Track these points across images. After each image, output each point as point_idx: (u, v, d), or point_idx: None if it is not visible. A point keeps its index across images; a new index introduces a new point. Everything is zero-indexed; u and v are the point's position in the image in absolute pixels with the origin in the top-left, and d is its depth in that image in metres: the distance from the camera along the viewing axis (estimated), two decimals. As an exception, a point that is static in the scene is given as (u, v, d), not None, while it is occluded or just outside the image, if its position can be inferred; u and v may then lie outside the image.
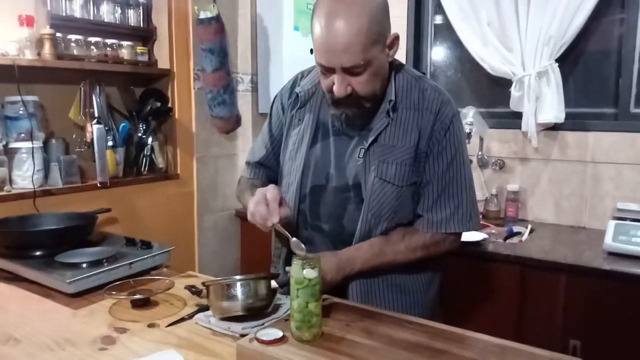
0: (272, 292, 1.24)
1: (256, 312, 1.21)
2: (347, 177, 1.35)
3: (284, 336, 1.06)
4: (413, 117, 1.31)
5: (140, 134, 2.55)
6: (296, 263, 1.06)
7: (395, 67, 1.35)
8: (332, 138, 1.38)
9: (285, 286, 1.26)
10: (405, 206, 1.33)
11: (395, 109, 1.31)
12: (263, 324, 1.17)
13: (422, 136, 1.30)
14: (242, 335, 1.12)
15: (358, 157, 1.33)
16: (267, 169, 1.57)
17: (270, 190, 1.25)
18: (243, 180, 1.58)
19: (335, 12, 1.16)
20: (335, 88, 1.23)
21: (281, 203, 1.25)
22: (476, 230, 1.38)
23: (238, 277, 1.22)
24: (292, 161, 1.42)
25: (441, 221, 1.33)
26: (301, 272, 1.05)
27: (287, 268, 1.30)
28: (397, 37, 1.25)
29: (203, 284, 1.27)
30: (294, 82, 1.50)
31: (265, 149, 1.55)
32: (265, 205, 1.23)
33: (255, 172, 1.57)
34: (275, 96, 1.54)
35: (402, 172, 1.30)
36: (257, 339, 1.04)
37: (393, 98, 1.30)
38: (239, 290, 1.20)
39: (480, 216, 2.53)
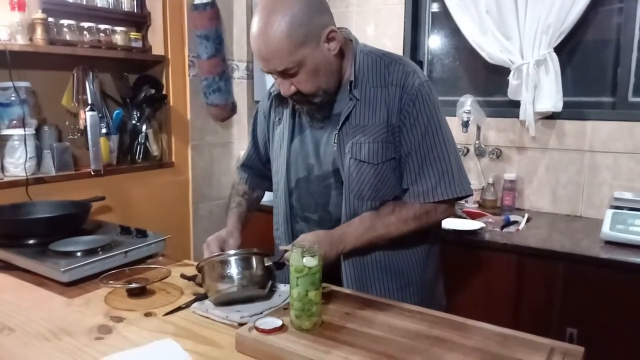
0: (266, 271, 1.24)
1: (251, 291, 1.21)
2: (327, 164, 1.37)
3: (283, 325, 1.05)
4: (380, 94, 1.32)
5: (134, 122, 2.52)
6: (296, 251, 1.05)
7: (358, 50, 1.36)
8: (308, 130, 1.42)
9: (280, 268, 1.26)
10: (387, 183, 1.34)
11: (356, 88, 1.32)
12: (262, 313, 1.15)
13: (391, 111, 1.31)
14: (241, 324, 1.11)
15: (333, 142, 1.35)
16: (251, 170, 1.67)
17: (212, 244, 1.36)
18: (232, 191, 1.67)
19: (259, 22, 1.22)
20: (281, 89, 1.31)
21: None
22: (468, 194, 1.35)
23: (231, 251, 1.24)
24: (277, 159, 1.47)
25: (428, 191, 1.32)
26: (301, 261, 1.04)
27: (281, 247, 1.30)
28: (333, 31, 1.26)
29: (196, 266, 1.27)
30: (272, 85, 1.54)
31: (249, 151, 1.66)
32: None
33: (241, 175, 1.68)
34: (258, 106, 1.62)
35: (376, 149, 1.31)
36: (257, 328, 1.03)
37: (353, 79, 1.32)
38: (232, 265, 1.21)
39: (471, 199, 2.56)
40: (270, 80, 2.72)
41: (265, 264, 1.24)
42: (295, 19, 1.19)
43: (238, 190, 1.64)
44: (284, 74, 1.25)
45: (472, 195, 1.43)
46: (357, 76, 1.33)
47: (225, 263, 1.22)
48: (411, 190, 1.34)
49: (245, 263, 1.22)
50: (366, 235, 1.32)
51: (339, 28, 1.30)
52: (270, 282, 1.26)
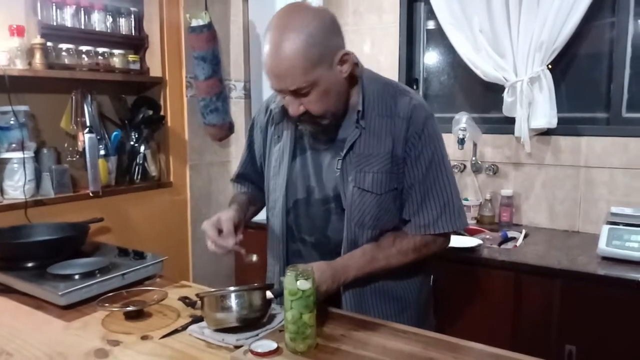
0: (267, 303, 1.23)
1: (251, 323, 1.20)
2: (328, 188, 1.37)
3: (278, 348, 1.06)
4: (386, 124, 1.32)
5: (132, 143, 2.54)
6: (290, 274, 1.06)
7: (364, 76, 1.36)
8: (309, 152, 1.40)
9: (280, 296, 1.26)
10: (388, 212, 1.34)
11: (364, 118, 1.32)
12: (257, 335, 1.16)
13: (397, 143, 1.31)
14: (237, 347, 1.11)
15: (336, 168, 1.34)
16: (250, 182, 1.63)
17: (224, 216, 1.41)
18: (232, 198, 1.62)
19: (273, 39, 1.20)
20: (289, 109, 1.28)
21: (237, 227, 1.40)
22: (464, 227, 1.39)
23: (232, 288, 1.21)
24: (276, 177, 1.45)
25: (429, 223, 1.33)
26: (295, 284, 1.05)
27: (281, 278, 1.30)
28: (346, 54, 1.26)
29: (197, 295, 1.27)
30: (269, 100, 1.53)
31: (245, 164, 1.62)
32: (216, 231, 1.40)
33: (241, 187, 1.65)
34: (254, 117, 1.59)
35: (380, 179, 1.31)
36: (252, 351, 1.04)
37: (361, 108, 1.32)
38: (233, 302, 1.19)
39: (468, 216, 2.57)
40: (267, 97, 2.74)
41: (267, 298, 1.22)
42: (312, 37, 1.18)
43: (237, 197, 1.58)
44: (296, 93, 1.23)
45: (467, 226, 1.46)
46: (365, 105, 1.33)
47: (226, 298, 1.19)
48: (413, 221, 1.34)
49: (246, 299, 1.20)
50: (367, 267, 1.32)
51: None
52: (269, 312, 1.25)
